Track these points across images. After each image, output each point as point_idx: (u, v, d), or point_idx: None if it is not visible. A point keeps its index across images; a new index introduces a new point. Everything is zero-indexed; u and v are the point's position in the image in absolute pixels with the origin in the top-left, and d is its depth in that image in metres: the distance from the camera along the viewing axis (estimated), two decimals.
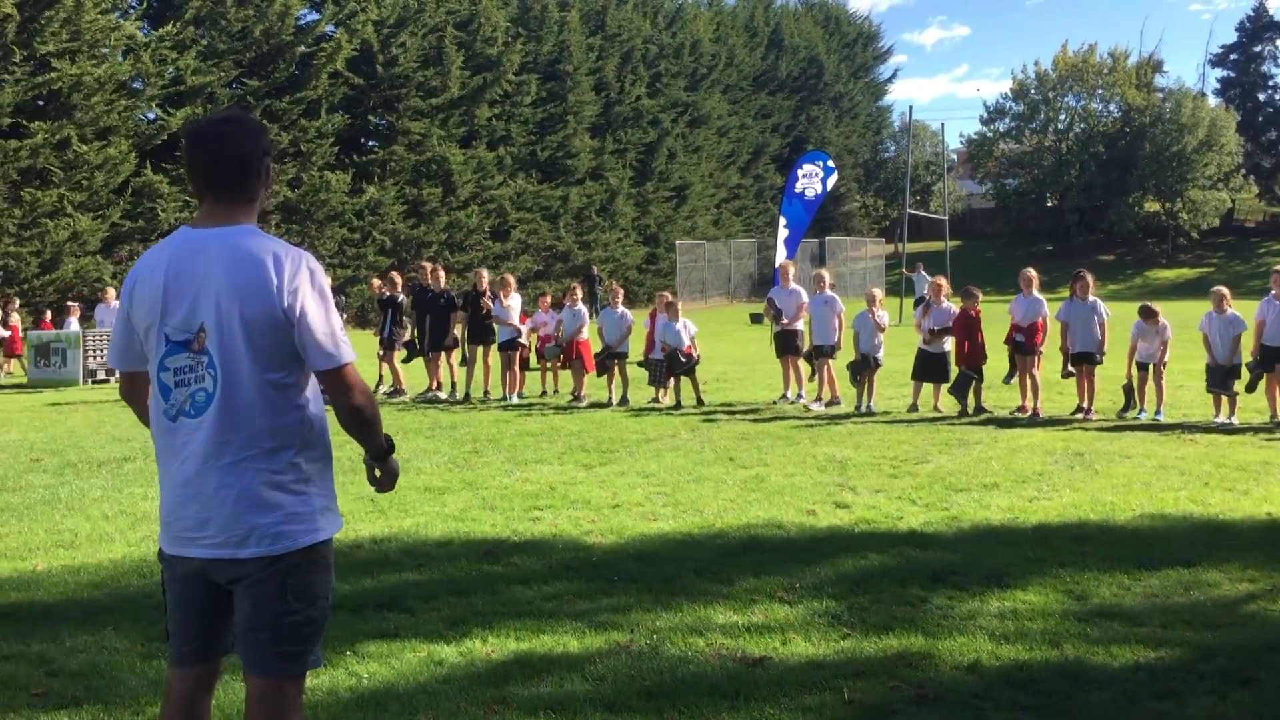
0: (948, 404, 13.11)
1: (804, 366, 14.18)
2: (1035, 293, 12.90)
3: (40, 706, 4.38)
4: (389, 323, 16.01)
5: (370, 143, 39.50)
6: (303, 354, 2.92)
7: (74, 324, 21.54)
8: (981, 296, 13.29)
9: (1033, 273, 13.08)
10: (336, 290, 15.52)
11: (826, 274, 14.83)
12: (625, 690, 4.48)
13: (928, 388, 13.38)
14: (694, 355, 14.15)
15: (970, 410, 12.87)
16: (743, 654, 4.91)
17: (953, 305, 13.53)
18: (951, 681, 4.54)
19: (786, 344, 14.30)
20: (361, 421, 3.04)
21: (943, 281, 13.83)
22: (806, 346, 14.13)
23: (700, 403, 14.08)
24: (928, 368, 13.27)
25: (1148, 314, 12.31)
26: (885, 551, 6.67)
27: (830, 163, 20.47)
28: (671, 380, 14.31)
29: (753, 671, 4.69)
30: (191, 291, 2.89)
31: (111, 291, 21.94)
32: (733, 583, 6.00)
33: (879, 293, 14.18)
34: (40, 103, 27.86)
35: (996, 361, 13.49)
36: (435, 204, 38.58)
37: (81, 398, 16.97)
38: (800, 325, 14.30)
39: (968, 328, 12.99)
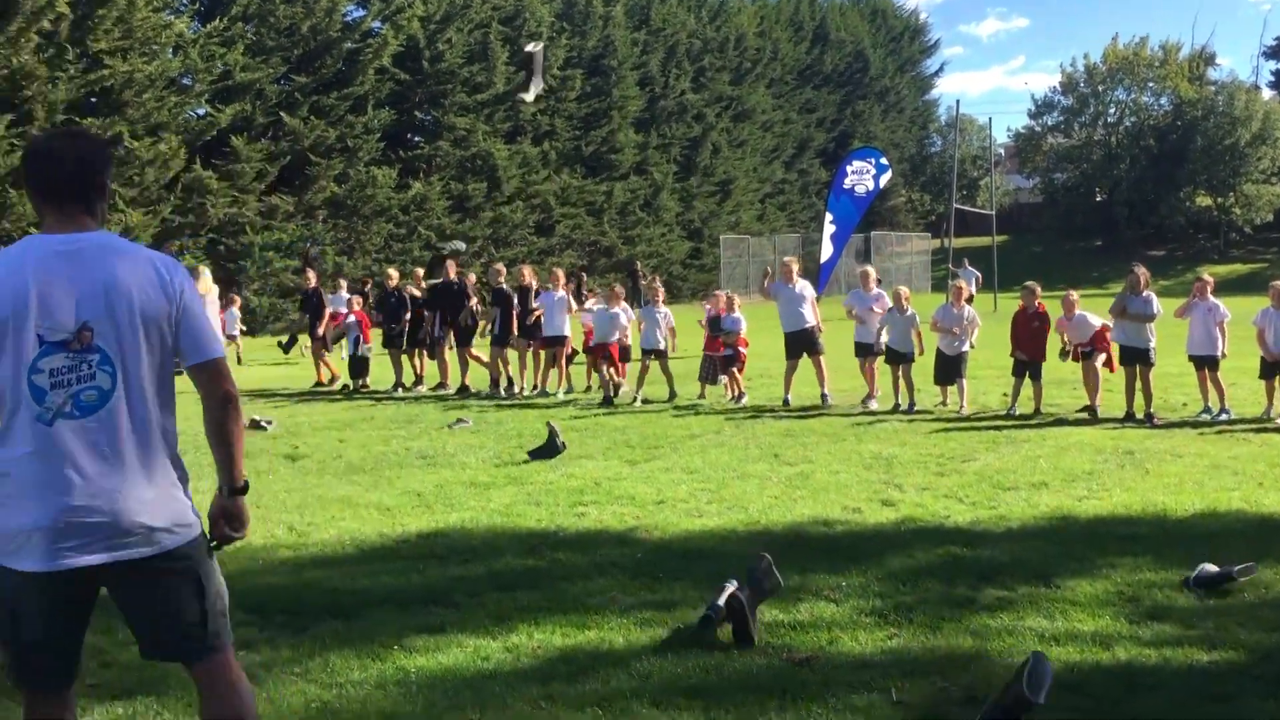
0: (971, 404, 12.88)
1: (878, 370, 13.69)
2: (1079, 311, 12.56)
3: (94, 696, 4.45)
4: (424, 319, 16.02)
5: (416, 138, 39.64)
6: (187, 345, 3.05)
7: None
8: (1040, 292, 12.97)
9: (1074, 295, 12.73)
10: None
11: (872, 270, 14.72)
12: (671, 688, 4.48)
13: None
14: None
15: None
16: (789, 652, 4.89)
17: (972, 310, 13.32)
18: (1001, 683, 4.49)
19: (797, 345, 13.99)
20: (234, 413, 3.10)
21: (964, 286, 13.82)
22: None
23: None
24: (945, 369, 13.10)
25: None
26: (932, 550, 6.61)
27: (884, 160, 19.97)
28: (723, 376, 14.29)
29: (799, 670, 4.67)
30: (71, 291, 2.92)
31: None
32: None
33: (904, 290, 13.98)
34: (93, 100, 28.21)
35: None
36: (480, 199, 38.68)
37: None
38: (811, 322, 13.93)
39: (1026, 324, 12.69)
